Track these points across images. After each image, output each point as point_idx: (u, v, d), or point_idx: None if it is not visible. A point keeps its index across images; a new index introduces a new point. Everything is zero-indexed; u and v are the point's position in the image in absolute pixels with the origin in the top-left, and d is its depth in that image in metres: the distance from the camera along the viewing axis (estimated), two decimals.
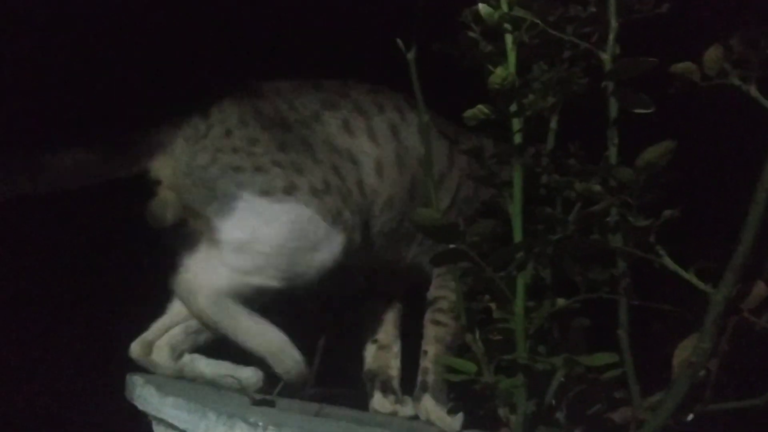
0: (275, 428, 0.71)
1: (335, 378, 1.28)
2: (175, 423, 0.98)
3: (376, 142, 1.17)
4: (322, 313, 1.39)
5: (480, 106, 0.92)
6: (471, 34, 0.96)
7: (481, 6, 0.97)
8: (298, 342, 1.16)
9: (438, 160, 1.20)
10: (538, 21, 0.94)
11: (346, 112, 1.16)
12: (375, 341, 1.34)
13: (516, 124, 0.95)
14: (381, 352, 1.33)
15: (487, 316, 1.16)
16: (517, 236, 0.97)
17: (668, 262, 0.95)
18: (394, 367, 1.33)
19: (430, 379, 1.23)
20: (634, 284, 1.04)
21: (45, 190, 1.08)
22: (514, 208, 0.96)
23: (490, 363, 1.09)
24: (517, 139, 0.95)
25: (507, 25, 0.95)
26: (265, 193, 1.07)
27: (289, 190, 1.08)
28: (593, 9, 0.97)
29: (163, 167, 1.10)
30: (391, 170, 1.18)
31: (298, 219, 1.08)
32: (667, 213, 0.95)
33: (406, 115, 1.21)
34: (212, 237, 1.11)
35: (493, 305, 1.14)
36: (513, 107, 0.92)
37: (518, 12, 0.93)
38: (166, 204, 1.11)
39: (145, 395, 1.12)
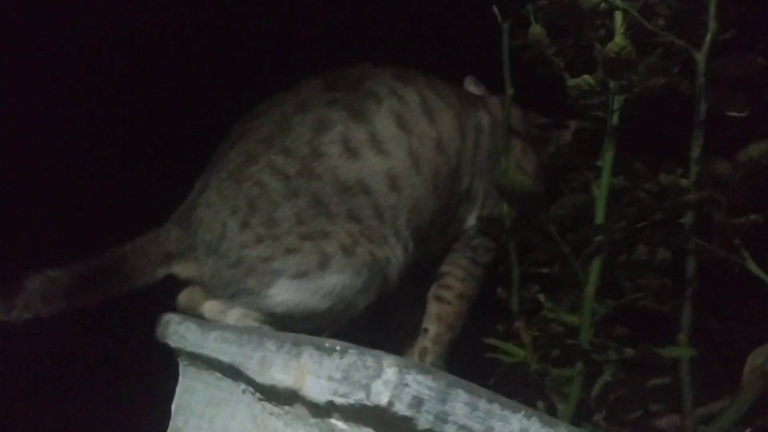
0: (356, 351, 0.67)
1: None
2: (220, 357, 0.93)
3: (382, 153, 1.07)
4: None
5: (586, 77, 0.90)
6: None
7: None
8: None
9: (452, 140, 1.15)
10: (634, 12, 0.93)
11: (341, 126, 1.06)
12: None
13: (617, 101, 0.93)
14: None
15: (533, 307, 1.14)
16: (599, 218, 0.94)
17: (752, 266, 0.92)
18: (415, 354, 1.30)
19: (428, 360, 1.20)
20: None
21: (72, 308, 1.02)
22: (601, 190, 0.94)
23: (536, 351, 1.07)
24: (615, 119, 0.93)
25: (618, 2, 0.93)
26: (302, 275, 1.01)
27: (324, 263, 1.01)
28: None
29: (187, 270, 1.07)
30: (407, 176, 1.09)
31: (336, 287, 1.03)
32: (753, 217, 0.92)
33: (404, 96, 1.11)
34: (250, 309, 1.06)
35: (541, 297, 1.12)
36: (620, 82, 0.90)
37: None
38: (195, 300, 1.08)
39: (181, 332, 1.08)
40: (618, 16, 0.93)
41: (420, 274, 1.30)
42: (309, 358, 0.72)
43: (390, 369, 0.63)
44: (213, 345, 0.96)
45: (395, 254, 1.09)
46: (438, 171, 1.12)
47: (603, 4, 0.97)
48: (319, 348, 0.72)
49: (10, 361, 1.51)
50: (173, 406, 1.14)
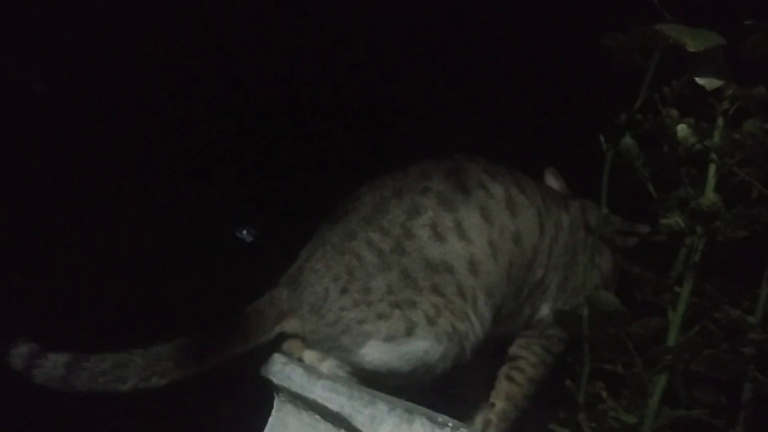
0: (467, 429, 0.81)
1: None
2: (327, 404, 1.08)
3: (466, 239, 1.21)
4: None
5: (677, 220, 1.05)
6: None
7: (680, 128, 1.11)
8: None
9: (530, 234, 1.28)
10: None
11: (431, 213, 1.20)
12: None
13: (699, 243, 1.07)
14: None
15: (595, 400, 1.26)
16: (671, 340, 1.08)
17: None
18: (477, 422, 1.42)
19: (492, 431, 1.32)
20: None
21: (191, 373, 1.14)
22: (676, 315, 1.07)
23: None
24: (696, 257, 1.07)
25: (713, 155, 1.08)
26: (390, 338, 1.15)
27: (410, 330, 1.15)
28: None
29: (293, 326, 1.20)
30: (485, 263, 1.22)
31: (419, 352, 1.16)
32: None
33: (491, 190, 1.25)
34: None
35: (604, 393, 1.24)
36: (704, 230, 1.04)
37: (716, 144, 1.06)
38: (295, 348, 1.21)
39: (287, 372, 1.22)
40: (711, 169, 1.08)
41: (488, 350, 1.44)
42: (421, 426, 0.87)
43: None
44: (321, 392, 1.11)
45: (474, 330, 1.23)
46: (513, 262, 1.26)
47: (697, 146, 1.12)
48: (432, 419, 0.86)
49: None
50: None
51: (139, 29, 1.76)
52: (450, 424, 0.82)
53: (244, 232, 2.30)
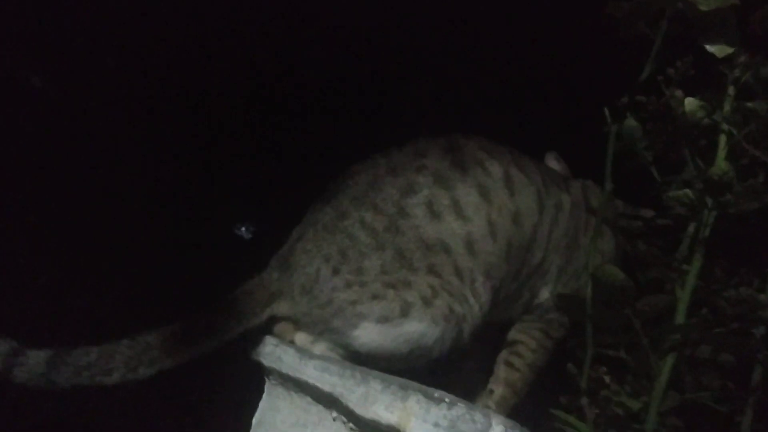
0: (465, 405, 0.76)
1: None
2: (319, 384, 1.03)
3: (463, 218, 1.16)
4: None
5: (687, 192, 1.00)
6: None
7: (688, 101, 1.07)
8: None
9: (529, 214, 1.23)
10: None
11: (426, 191, 1.16)
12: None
13: (710, 217, 1.02)
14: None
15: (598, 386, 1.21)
16: (680, 318, 1.03)
17: None
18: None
19: None
20: None
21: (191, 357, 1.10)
22: (684, 293, 1.03)
23: (596, 429, 1.15)
24: (706, 232, 1.03)
25: (724, 126, 1.03)
26: (384, 319, 1.11)
27: (405, 311, 1.11)
28: None
29: (283, 309, 1.16)
30: (483, 242, 1.17)
31: (414, 333, 1.12)
32: None
33: (488, 168, 1.20)
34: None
35: (607, 378, 1.20)
36: (715, 203, 0.99)
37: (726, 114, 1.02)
38: (286, 331, 1.18)
39: (278, 354, 1.18)
40: (722, 140, 1.03)
41: (487, 336, 1.40)
42: (416, 402, 0.82)
43: (498, 427, 0.72)
44: (312, 372, 1.06)
45: (472, 312, 1.18)
46: (512, 242, 1.21)
47: (705, 120, 1.08)
48: (427, 395, 0.81)
49: None
50: (255, 420, 1.24)
51: (137, 24, 1.72)
52: (446, 400, 0.77)
53: (243, 229, 2.26)
